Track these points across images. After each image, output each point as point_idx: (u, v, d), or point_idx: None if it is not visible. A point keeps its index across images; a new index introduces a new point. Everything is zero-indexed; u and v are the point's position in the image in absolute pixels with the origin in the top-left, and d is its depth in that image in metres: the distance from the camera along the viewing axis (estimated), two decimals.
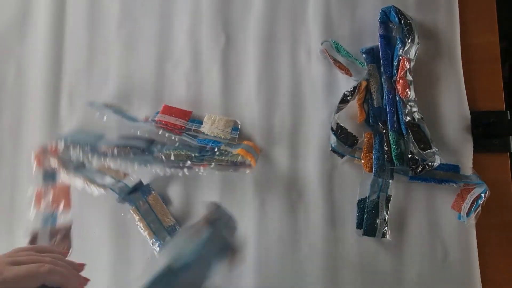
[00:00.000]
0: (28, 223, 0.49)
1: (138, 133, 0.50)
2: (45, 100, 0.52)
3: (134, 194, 0.50)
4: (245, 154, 0.48)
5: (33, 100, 0.53)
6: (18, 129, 0.52)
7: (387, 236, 0.48)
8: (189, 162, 0.48)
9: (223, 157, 0.48)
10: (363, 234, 0.49)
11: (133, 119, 0.51)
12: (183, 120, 0.50)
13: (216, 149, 0.49)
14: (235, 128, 0.51)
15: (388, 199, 0.49)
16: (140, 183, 0.50)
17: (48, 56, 0.53)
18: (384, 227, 0.48)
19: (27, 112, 0.52)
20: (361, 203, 0.50)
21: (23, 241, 0.50)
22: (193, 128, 0.50)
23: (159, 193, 0.51)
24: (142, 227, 0.49)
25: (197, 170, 0.49)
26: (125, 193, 0.49)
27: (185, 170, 0.49)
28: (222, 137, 0.50)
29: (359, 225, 0.49)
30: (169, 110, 0.51)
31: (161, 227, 0.49)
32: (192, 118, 0.51)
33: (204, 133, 0.50)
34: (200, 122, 0.50)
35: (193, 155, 0.48)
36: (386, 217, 0.49)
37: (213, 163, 0.48)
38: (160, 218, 0.50)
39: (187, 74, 0.53)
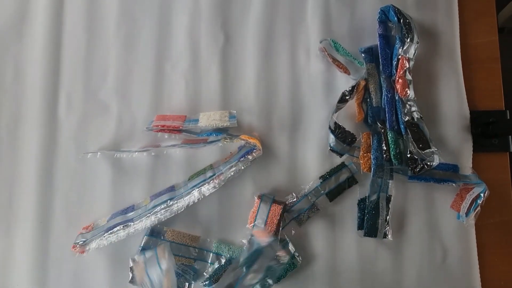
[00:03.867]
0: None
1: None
2: (43, 100, 0.52)
3: (150, 239, 0.49)
4: (247, 137, 0.48)
5: (31, 100, 0.52)
6: (16, 129, 0.52)
7: (389, 237, 0.48)
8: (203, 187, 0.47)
9: (228, 141, 0.48)
10: (364, 235, 0.48)
11: (129, 151, 0.51)
12: (179, 121, 0.50)
13: (219, 137, 0.49)
14: (232, 116, 0.51)
15: (388, 199, 0.49)
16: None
17: (46, 56, 0.53)
18: (386, 227, 0.48)
19: (26, 111, 0.52)
20: (361, 203, 0.49)
21: (21, 241, 0.50)
22: (190, 126, 0.49)
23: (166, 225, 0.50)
24: (178, 262, 0.48)
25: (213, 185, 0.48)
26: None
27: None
28: (221, 125, 0.49)
29: (360, 226, 0.49)
30: (163, 118, 0.51)
31: (196, 250, 0.49)
32: (188, 119, 0.51)
33: (201, 129, 0.50)
34: (196, 121, 0.50)
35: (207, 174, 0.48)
36: (387, 218, 0.48)
37: (220, 143, 0.48)
38: (189, 244, 0.49)
39: (186, 73, 0.53)
